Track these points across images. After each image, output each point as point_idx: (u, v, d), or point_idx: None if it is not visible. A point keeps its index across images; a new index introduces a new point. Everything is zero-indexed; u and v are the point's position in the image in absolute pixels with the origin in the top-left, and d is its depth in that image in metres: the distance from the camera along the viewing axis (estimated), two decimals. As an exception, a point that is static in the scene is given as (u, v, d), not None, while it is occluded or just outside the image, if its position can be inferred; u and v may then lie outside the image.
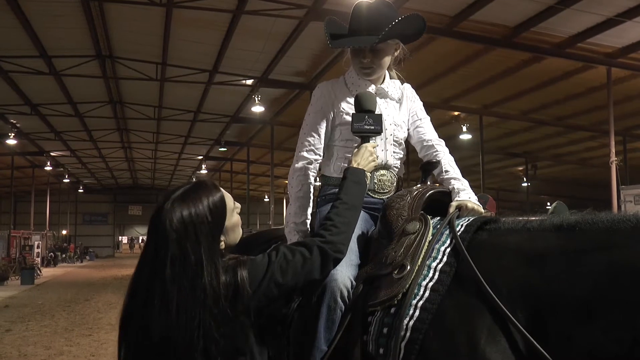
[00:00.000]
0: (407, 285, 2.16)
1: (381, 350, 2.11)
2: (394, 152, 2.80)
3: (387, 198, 2.71)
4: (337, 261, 2.15)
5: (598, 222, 1.97)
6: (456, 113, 20.13)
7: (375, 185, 2.74)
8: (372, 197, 2.74)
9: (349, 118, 2.63)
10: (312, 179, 2.77)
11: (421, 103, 2.96)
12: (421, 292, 2.12)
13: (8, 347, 10.08)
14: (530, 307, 1.91)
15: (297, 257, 2.05)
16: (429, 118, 2.94)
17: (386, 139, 2.76)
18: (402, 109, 2.87)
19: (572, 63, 14.22)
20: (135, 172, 44.01)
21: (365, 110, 2.49)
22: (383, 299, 2.19)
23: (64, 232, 51.06)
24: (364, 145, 2.47)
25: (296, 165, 2.77)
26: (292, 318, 2.55)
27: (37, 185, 40.33)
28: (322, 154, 2.80)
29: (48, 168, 34.14)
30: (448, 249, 2.22)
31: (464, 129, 21.05)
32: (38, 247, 35.53)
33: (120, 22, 14.60)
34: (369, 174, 2.43)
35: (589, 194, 25.09)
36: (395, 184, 2.80)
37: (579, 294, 1.83)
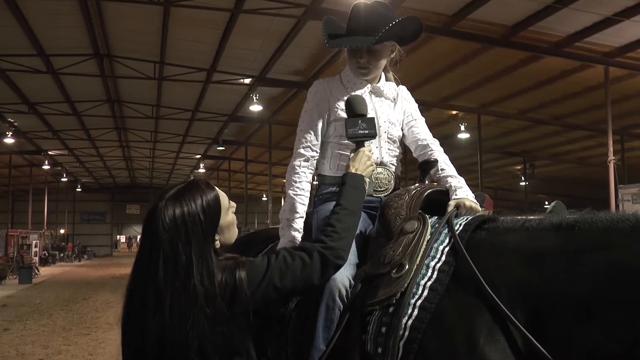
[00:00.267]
0: (406, 285, 2.15)
1: (380, 350, 2.11)
2: (388, 149, 2.80)
3: (385, 196, 2.71)
4: (337, 267, 2.14)
5: (597, 222, 1.96)
6: (454, 112, 20.15)
7: (372, 183, 2.74)
8: (370, 195, 2.74)
9: (344, 114, 2.65)
10: (309, 177, 2.77)
11: (416, 105, 2.98)
12: (420, 291, 2.12)
13: (6, 347, 10.06)
14: (529, 307, 1.91)
15: (296, 261, 2.03)
16: (423, 119, 2.95)
17: (380, 136, 2.76)
18: (396, 108, 2.88)
19: (570, 62, 14.24)
20: (133, 171, 44.00)
21: (357, 115, 2.48)
22: (381, 298, 2.18)
23: (62, 231, 51.00)
24: (361, 150, 2.45)
25: (293, 162, 2.78)
26: (291, 317, 2.54)
27: (35, 184, 40.32)
28: (319, 151, 2.81)
29: (46, 167, 34.15)
30: (447, 248, 2.21)
31: (462, 127, 21.09)
32: (36, 246, 35.48)
33: (118, 21, 14.59)
34: (367, 179, 2.42)
35: (587, 193, 25.15)
36: (392, 182, 2.80)
37: (578, 293, 1.82)
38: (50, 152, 32.48)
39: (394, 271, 2.23)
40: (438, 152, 2.80)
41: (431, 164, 2.73)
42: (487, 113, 19.54)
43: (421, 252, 2.24)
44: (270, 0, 12.14)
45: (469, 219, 2.34)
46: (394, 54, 2.82)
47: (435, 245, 2.25)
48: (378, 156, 2.76)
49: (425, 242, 2.27)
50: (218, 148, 28.85)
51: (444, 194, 2.62)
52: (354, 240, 2.42)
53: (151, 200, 2.06)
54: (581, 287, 1.83)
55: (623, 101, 16.35)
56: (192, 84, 18.88)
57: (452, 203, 2.51)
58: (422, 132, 2.89)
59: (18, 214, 46.74)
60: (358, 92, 2.78)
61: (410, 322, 2.06)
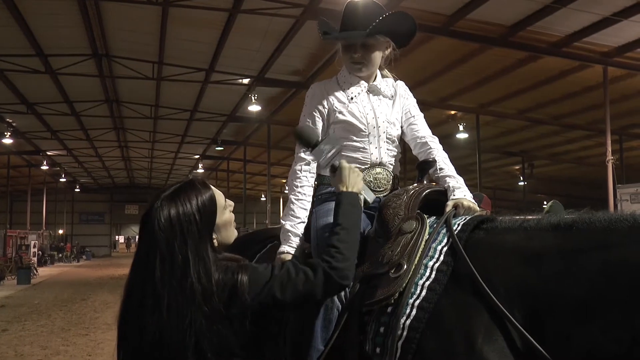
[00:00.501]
0: (404, 284, 2.15)
1: (378, 350, 2.11)
2: (387, 149, 2.80)
3: (384, 196, 2.71)
4: (342, 288, 2.11)
5: (595, 222, 1.96)
6: (453, 112, 20.16)
7: (371, 184, 2.74)
8: (367, 205, 2.74)
9: (342, 117, 2.70)
10: (311, 181, 2.77)
11: (414, 100, 2.97)
12: (418, 291, 2.11)
13: (4, 347, 10.05)
14: (527, 307, 1.91)
15: (299, 276, 2.01)
16: (422, 115, 2.94)
17: (379, 136, 2.76)
18: (395, 107, 2.87)
19: (569, 62, 14.25)
20: (132, 171, 43.99)
21: (314, 144, 2.42)
22: (380, 298, 2.18)
23: (61, 231, 50.96)
24: (342, 167, 2.38)
25: (295, 167, 2.79)
26: (289, 317, 2.54)
27: (33, 185, 40.31)
28: None
29: (44, 167, 34.13)
30: (445, 248, 2.21)
31: (461, 127, 21.10)
32: (34, 246, 35.46)
33: (116, 21, 14.59)
34: (361, 196, 2.39)
35: (585, 193, 25.16)
36: (391, 182, 2.80)
37: (577, 293, 1.82)
38: (48, 153, 32.46)
39: (392, 271, 2.23)
40: (437, 151, 2.79)
41: (430, 163, 2.73)
42: (486, 113, 19.55)
43: (419, 252, 2.23)
44: (268, 0, 12.14)
45: (467, 219, 2.33)
46: (389, 50, 2.82)
47: (434, 245, 2.25)
48: (377, 156, 2.76)
49: (423, 242, 2.27)
50: (217, 148, 28.87)
51: (442, 194, 2.62)
52: None
53: (149, 200, 2.07)
54: (580, 287, 1.82)
55: (621, 101, 16.36)
56: (190, 84, 18.87)
57: (450, 203, 2.50)
58: (421, 129, 2.89)
59: (16, 215, 46.73)
60: (354, 91, 2.79)
61: (408, 322, 2.06)
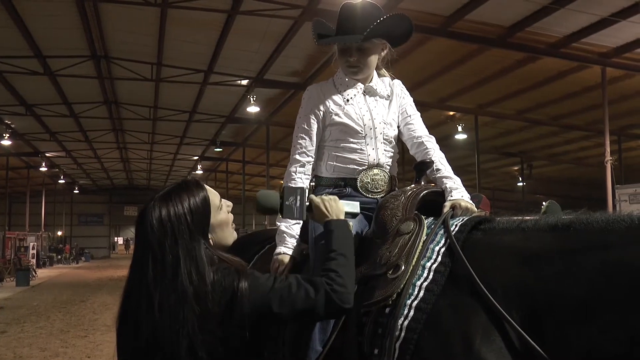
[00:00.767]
0: (402, 285, 2.16)
1: (376, 351, 2.11)
2: (384, 150, 2.81)
3: (381, 197, 2.71)
4: (342, 311, 2.08)
5: (593, 222, 1.97)
6: (451, 113, 20.16)
7: (369, 185, 2.75)
8: (366, 196, 2.75)
9: (338, 119, 2.72)
10: (306, 182, 2.78)
11: (411, 99, 2.97)
12: (416, 292, 2.12)
13: (3, 349, 10.05)
14: (526, 307, 1.91)
15: (300, 293, 2.00)
16: (419, 114, 2.94)
17: (376, 137, 2.77)
18: (391, 107, 2.87)
19: (567, 63, 14.26)
20: (131, 172, 43.95)
21: (280, 204, 2.30)
22: (378, 299, 2.18)
23: (60, 233, 50.92)
24: (316, 203, 2.31)
25: (290, 168, 2.80)
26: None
27: (32, 186, 40.24)
28: (314, 156, 2.82)
29: (43, 169, 34.08)
30: (442, 249, 2.21)
31: (460, 128, 21.11)
32: (33, 248, 35.43)
33: (115, 23, 14.57)
34: (350, 222, 2.36)
35: (584, 194, 25.13)
36: (388, 183, 2.81)
37: (575, 293, 1.83)
38: (47, 154, 32.41)
39: (390, 272, 2.23)
40: (433, 151, 2.80)
41: (427, 164, 2.73)
42: (485, 114, 19.55)
43: (417, 253, 2.24)
44: (267, 1, 12.15)
45: (465, 219, 2.34)
46: (385, 52, 2.82)
47: (431, 246, 2.25)
48: (375, 158, 2.77)
49: (421, 243, 2.27)
50: (215, 149, 28.85)
51: (440, 195, 2.62)
52: None
53: (145, 202, 2.09)
54: (578, 287, 1.83)
55: (620, 101, 16.37)
56: (189, 86, 18.86)
57: (447, 204, 2.51)
58: (417, 129, 2.89)
59: (15, 216, 46.69)
60: (351, 93, 2.79)
61: (406, 322, 2.06)
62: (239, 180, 35.74)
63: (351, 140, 2.76)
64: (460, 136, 21.41)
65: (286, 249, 2.71)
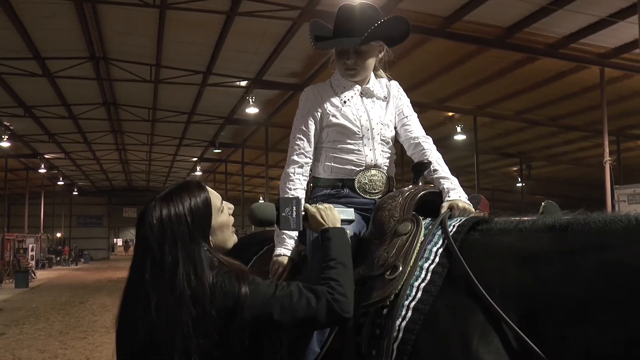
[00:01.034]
0: (400, 286, 2.16)
1: (374, 352, 2.11)
2: (382, 151, 2.81)
3: (379, 198, 2.71)
4: (344, 320, 2.06)
5: (590, 223, 1.97)
6: (450, 114, 20.16)
7: (367, 186, 2.75)
8: (364, 197, 2.75)
9: (336, 120, 2.72)
10: (303, 184, 2.78)
11: (408, 100, 2.97)
12: (413, 293, 2.12)
13: (2, 351, 10.03)
14: (524, 307, 1.91)
15: (302, 301, 1.98)
16: (415, 115, 2.95)
17: (373, 138, 2.78)
18: (389, 108, 2.88)
19: (566, 63, 14.27)
20: (130, 174, 43.91)
21: (277, 219, 2.29)
22: (375, 300, 2.19)
23: (59, 234, 50.88)
24: (311, 212, 2.31)
25: (287, 170, 2.80)
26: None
27: (31, 188, 40.21)
28: (312, 157, 2.82)
29: (42, 170, 34.03)
30: (440, 250, 2.22)
31: (458, 129, 21.11)
32: (32, 250, 35.41)
33: (114, 24, 14.57)
34: (347, 230, 2.36)
35: (583, 194, 25.13)
36: (386, 184, 2.81)
37: (573, 294, 1.83)
38: (46, 156, 32.39)
39: (387, 273, 2.23)
40: (430, 151, 2.80)
41: (425, 165, 2.73)
42: (483, 114, 19.56)
43: (415, 254, 2.24)
44: (265, 2, 12.15)
45: (463, 220, 2.34)
46: (382, 54, 2.83)
47: (429, 246, 2.25)
48: (372, 158, 2.77)
49: (418, 244, 2.27)
50: (214, 151, 28.83)
51: (438, 196, 2.63)
52: None
53: (146, 202, 2.08)
54: (576, 287, 1.83)
55: (619, 102, 16.38)
56: (188, 87, 18.86)
57: (445, 205, 2.51)
58: (414, 130, 2.89)
59: (14, 218, 46.65)
60: (348, 94, 2.79)
61: (404, 323, 2.06)
62: (238, 182, 35.75)
63: (348, 141, 2.76)
64: (459, 137, 21.42)
65: (285, 251, 2.71)
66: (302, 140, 2.79)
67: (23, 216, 38.99)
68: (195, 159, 34.05)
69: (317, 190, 2.82)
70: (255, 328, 1.97)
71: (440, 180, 2.68)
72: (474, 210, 2.56)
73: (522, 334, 1.86)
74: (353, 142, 2.76)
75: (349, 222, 2.42)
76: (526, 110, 19.08)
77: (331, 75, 2.92)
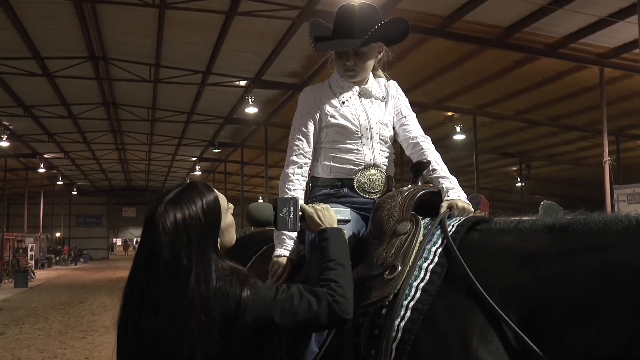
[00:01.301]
0: (398, 286, 2.15)
1: (372, 352, 2.10)
2: (381, 150, 2.81)
3: (378, 198, 2.71)
4: (344, 322, 2.06)
5: (590, 223, 1.97)
6: (450, 113, 20.17)
7: (366, 185, 2.75)
8: (363, 197, 2.75)
9: (334, 120, 2.72)
10: (302, 184, 2.77)
11: (406, 100, 2.97)
12: (412, 293, 2.11)
13: (1, 351, 10.03)
14: (523, 308, 1.91)
15: (303, 304, 1.98)
16: (414, 115, 2.95)
17: (372, 137, 2.77)
18: (387, 108, 2.88)
19: (565, 63, 14.27)
20: (129, 173, 43.90)
21: (275, 220, 2.29)
22: (374, 299, 2.18)
23: (58, 234, 50.87)
24: (308, 212, 2.31)
25: (286, 170, 2.79)
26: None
27: (30, 188, 40.21)
28: (311, 158, 2.82)
29: (41, 170, 34.02)
30: (439, 250, 2.21)
31: (458, 129, 21.12)
32: (32, 249, 35.40)
33: (113, 24, 14.57)
34: (345, 231, 2.35)
35: (582, 194, 25.14)
36: (385, 183, 2.81)
37: (573, 294, 1.82)
38: (45, 155, 32.39)
39: (386, 273, 2.22)
40: (429, 151, 2.80)
41: (424, 165, 2.73)
42: (483, 114, 19.57)
43: (414, 254, 2.23)
44: (265, 2, 12.14)
45: (462, 220, 2.34)
46: (381, 54, 2.83)
47: (428, 246, 2.25)
48: (372, 158, 2.77)
49: (417, 244, 2.27)
50: (214, 150, 28.83)
51: (437, 195, 2.62)
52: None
53: (149, 203, 2.05)
54: (576, 288, 1.82)
55: (618, 102, 16.38)
56: (187, 87, 18.87)
57: (444, 204, 2.51)
58: (413, 129, 2.89)
59: (14, 218, 46.64)
60: (346, 95, 2.79)
61: (402, 323, 2.05)
62: (237, 181, 35.76)
63: (347, 141, 2.76)
64: (459, 137, 21.43)
65: (284, 251, 2.71)
66: (301, 140, 2.79)
67: (22, 216, 38.99)
68: (194, 159, 34.06)
69: (316, 190, 2.82)
70: (257, 331, 1.95)
71: (439, 179, 2.67)
72: (473, 209, 2.56)
73: (522, 334, 1.85)
74: (352, 141, 2.76)
75: (345, 222, 2.42)
76: (526, 110, 19.08)
77: (330, 75, 2.92)
